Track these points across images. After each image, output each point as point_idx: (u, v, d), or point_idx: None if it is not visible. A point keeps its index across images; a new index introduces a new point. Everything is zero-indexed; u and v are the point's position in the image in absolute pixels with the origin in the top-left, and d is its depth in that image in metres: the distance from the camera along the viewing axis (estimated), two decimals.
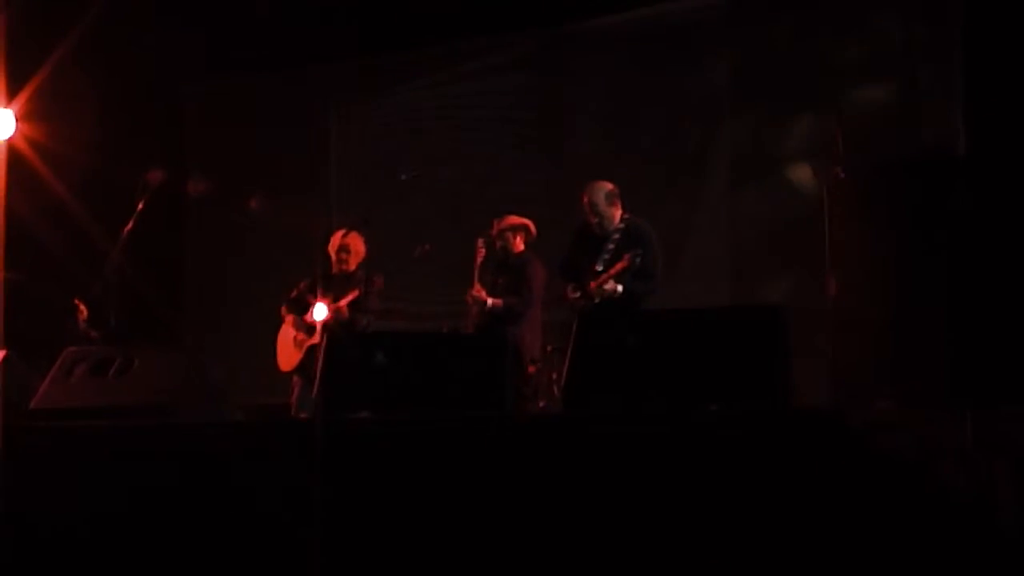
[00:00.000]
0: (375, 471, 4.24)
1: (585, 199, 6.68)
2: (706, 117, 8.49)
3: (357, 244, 7.53)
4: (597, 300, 6.49)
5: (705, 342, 4.24)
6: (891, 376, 4.38)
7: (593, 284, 6.52)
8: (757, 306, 6.27)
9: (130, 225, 6.75)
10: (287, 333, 7.56)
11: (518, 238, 7.37)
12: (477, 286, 7.19)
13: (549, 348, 7.24)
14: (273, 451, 4.37)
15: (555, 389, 7.15)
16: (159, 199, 7.04)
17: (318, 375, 4.66)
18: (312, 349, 7.22)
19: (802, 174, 7.85)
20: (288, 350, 7.51)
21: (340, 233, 7.54)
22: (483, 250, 7.31)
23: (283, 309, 7.63)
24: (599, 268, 6.55)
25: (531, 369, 7.15)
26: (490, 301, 7.12)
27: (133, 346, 5.22)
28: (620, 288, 6.45)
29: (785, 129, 8.11)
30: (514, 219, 7.39)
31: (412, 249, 7.78)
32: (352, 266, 7.53)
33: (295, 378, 7.48)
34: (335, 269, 7.55)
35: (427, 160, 9.09)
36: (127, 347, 5.18)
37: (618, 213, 6.69)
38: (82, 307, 7.81)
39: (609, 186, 6.71)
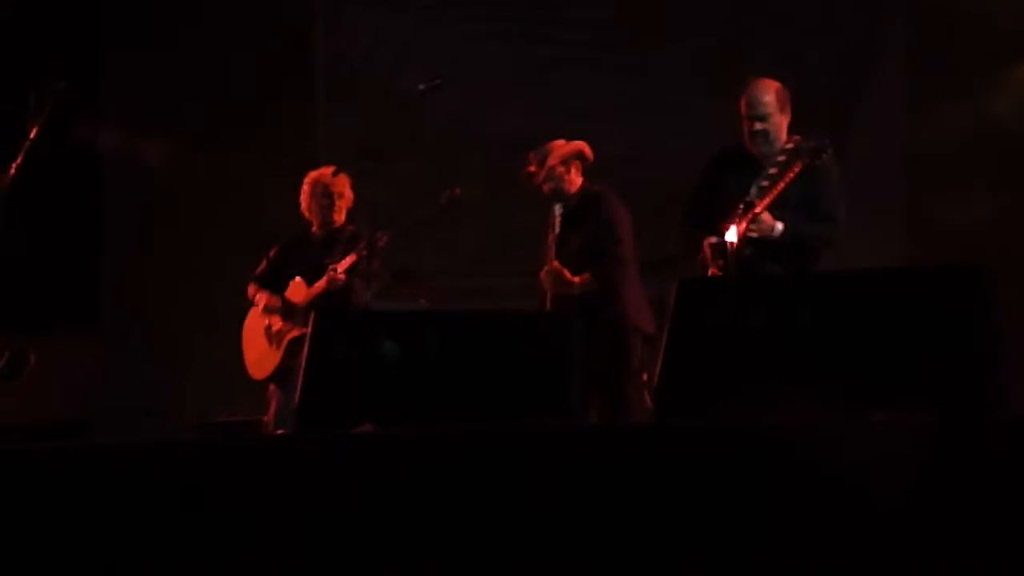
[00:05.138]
0: (382, 511, 4.22)
1: (743, 100, 6.64)
2: None
3: (346, 189, 7.61)
4: (747, 239, 6.36)
5: (869, 321, 4.28)
6: None
7: (741, 219, 6.40)
8: (948, 266, 6.22)
9: (19, 160, 6.64)
10: (257, 323, 7.65)
11: (573, 170, 7.36)
12: (555, 261, 7.21)
13: None
14: (231, 484, 4.37)
15: (646, 395, 7.15)
16: (62, 125, 7.00)
17: (300, 373, 4.69)
18: (296, 344, 7.26)
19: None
20: (260, 348, 7.61)
21: (321, 174, 7.63)
22: (560, 214, 7.32)
23: (251, 288, 7.65)
24: (750, 199, 6.42)
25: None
26: (578, 280, 7.14)
27: (29, 336, 5.20)
28: (781, 226, 6.38)
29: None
30: (561, 146, 7.37)
31: (435, 195, 7.77)
32: (340, 218, 7.61)
33: (271, 388, 7.57)
34: (316, 223, 7.65)
35: (454, 66, 9.14)
36: (20, 338, 5.17)
37: (786, 126, 6.62)
38: None
39: (778, 85, 6.67)
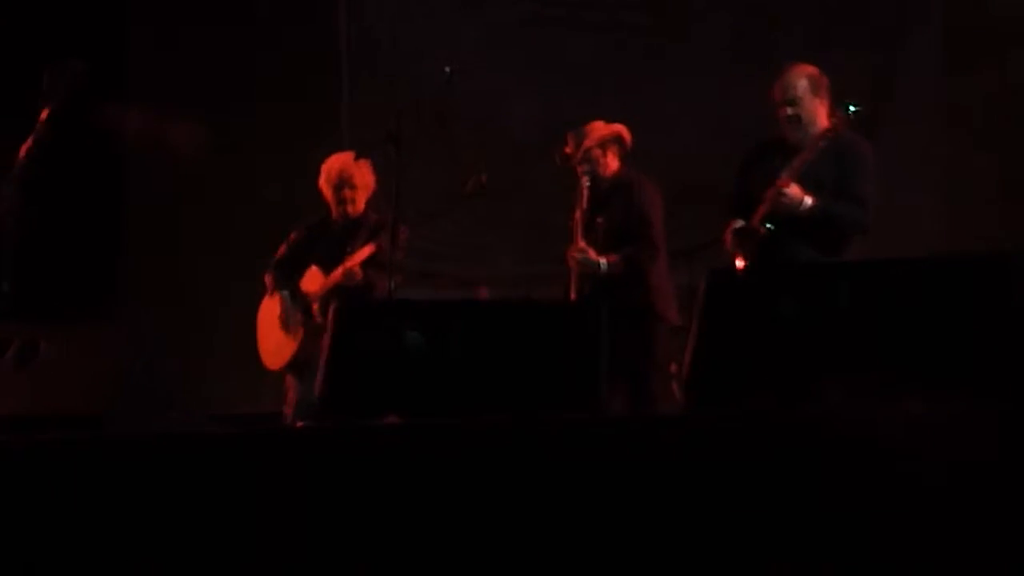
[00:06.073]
0: (407, 503, 4.21)
1: (777, 86, 6.67)
2: None
3: (365, 175, 7.58)
4: (774, 216, 6.39)
5: (906, 309, 4.27)
6: None
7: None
8: (988, 253, 6.21)
9: (29, 143, 6.57)
10: (273, 311, 7.66)
11: (609, 154, 7.39)
12: (581, 241, 7.21)
13: None
14: (253, 477, 4.37)
15: (674, 386, 7.15)
16: (81, 109, 6.98)
17: (322, 363, 4.69)
18: (313, 334, 7.27)
19: None
20: (276, 337, 7.60)
21: (341, 159, 7.60)
22: (587, 186, 7.31)
23: (268, 277, 7.68)
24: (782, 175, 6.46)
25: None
26: (604, 261, 7.15)
27: (39, 324, 5.18)
28: (811, 200, 6.37)
29: None
30: (599, 128, 7.39)
31: (461, 182, 7.76)
32: (360, 206, 7.59)
33: (289, 378, 7.57)
34: (335, 212, 7.61)
35: (481, 50, 9.38)
36: (30, 326, 5.15)
37: (824, 113, 6.61)
38: None
39: (813, 71, 6.68)
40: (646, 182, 7.28)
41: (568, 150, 7.32)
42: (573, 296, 7.19)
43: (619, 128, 7.38)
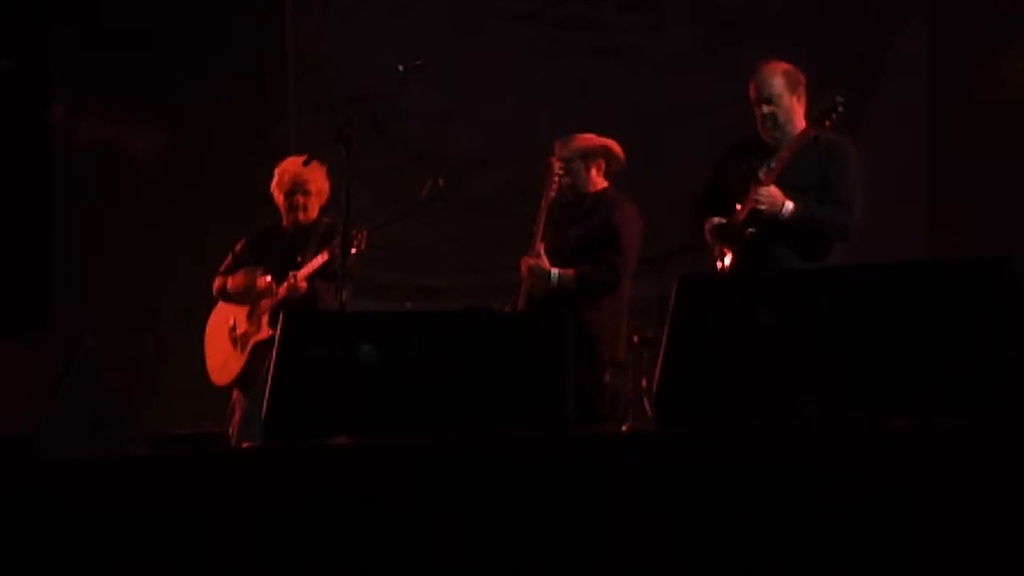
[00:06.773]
0: (357, 530, 4.16)
1: (752, 85, 6.59)
2: None
3: (320, 181, 7.45)
4: (754, 218, 6.32)
5: (886, 319, 4.21)
6: None
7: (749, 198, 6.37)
8: (973, 258, 6.19)
9: None
10: (221, 324, 7.55)
11: (593, 168, 7.21)
12: (539, 246, 7.06)
13: (635, 338, 7.15)
14: (193, 502, 4.30)
15: (645, 402, 7.07)
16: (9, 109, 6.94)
17: (268, 380, 4.64)
18: (262, 348, 7.18)
19: None
20: (223, 351, 7.50)
21: (294, 163, 7.46)
22: (556, 183, 7.17)
23: (216, 283, 7.59)
24: (758, 178, 6.40)
25: (606, 378, 7.08)
26: (556, 272, 7.00)
27: None
28: (792, 205, 6.31)
29: None
30: (587, 139, 7.23)
31: (417, 187, 7.63)
32: (312, 213, 7.47)
33: (236, 394, 7.47)
34: (285, 219, 7.50)
35: (440, 46, 9.19)
36: None
37: (801, 112, 6.56)
38: None
39: (789, 67, 6.61)
40: (628, 207, 7.17)
41: (554, 161, 7.17)
42: (521, 306, 7.07)
43: (606, 142, 7.24)
